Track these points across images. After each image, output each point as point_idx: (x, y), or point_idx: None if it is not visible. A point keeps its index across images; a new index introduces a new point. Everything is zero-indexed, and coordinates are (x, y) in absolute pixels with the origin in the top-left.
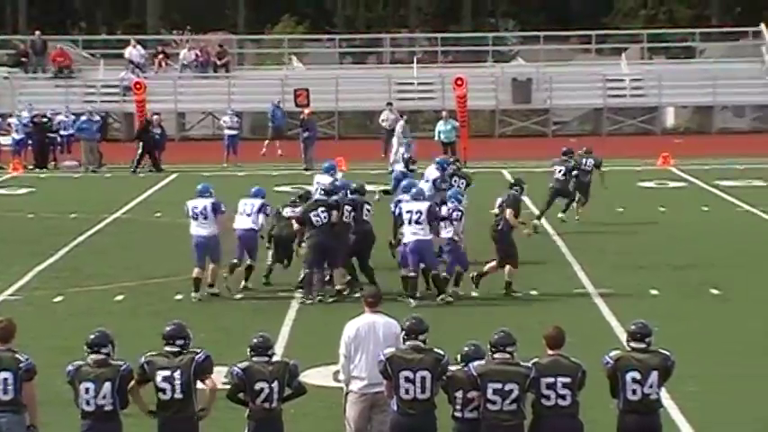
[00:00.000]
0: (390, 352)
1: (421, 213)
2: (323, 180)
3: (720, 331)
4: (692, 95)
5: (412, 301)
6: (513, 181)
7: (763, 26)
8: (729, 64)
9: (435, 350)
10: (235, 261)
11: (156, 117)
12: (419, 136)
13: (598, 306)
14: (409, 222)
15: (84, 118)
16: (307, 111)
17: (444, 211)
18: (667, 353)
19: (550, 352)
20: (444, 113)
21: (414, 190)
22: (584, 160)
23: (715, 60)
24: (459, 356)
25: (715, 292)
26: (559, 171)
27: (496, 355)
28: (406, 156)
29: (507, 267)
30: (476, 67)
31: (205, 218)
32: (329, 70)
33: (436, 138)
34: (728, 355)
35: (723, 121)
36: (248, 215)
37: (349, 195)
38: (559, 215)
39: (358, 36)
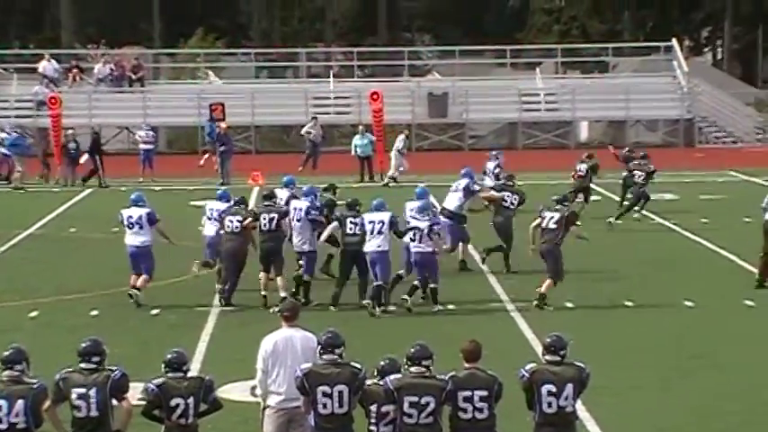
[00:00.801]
0: (307, 368)
1: (383, 224)
2: (282, 195)
3: (634, 343)
4: (605, 109)
5: (377, 309)
6: (559, 197)
7: (674, 41)
8: (642, 78)
9: (352, 364)
10: (210, 261)
11: (70, 132)
12: (336, 150)
13: (514, 319)
14: (371, 232)
15: (14, 135)
16: (223, 125)
17: (425, 224)
18: (582, 365)
19: (467, 365)
20: (361, 128)
21: (376, 201)
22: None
23: (628, 75)
24: (375, 371)
25: (629, 303)
26: (639, 176)
27: (412, 369)
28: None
29: (549, 281)
30: (392, 81)
31: (141, 227)
32: (245, 84)
33: (353, 152)
34: (642, 367)
35: (636, 134)
36: (216, 221)
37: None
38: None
39: (274, 50)
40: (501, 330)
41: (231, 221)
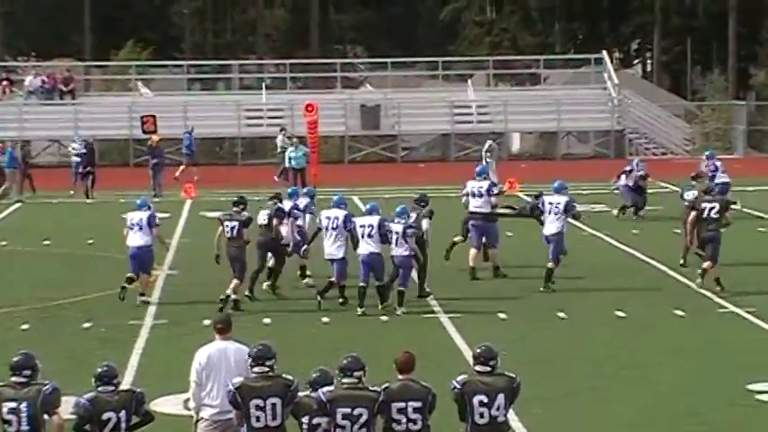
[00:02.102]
0: (239, 381)
1: (372, 227)
2: (301, 202)
3: (566, 353)
4: (536, 121)
5: (359, 309)
6: (707, 187)
7: (604, 53)
8: (573, 90)
9: (284, 376)
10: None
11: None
12: (268, 162)
13: (448, 330)
14: (362, 236)
15: None
16: (155, 137)
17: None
18: (513, 375)
19: (401, 377)
20: (294, 140)
21: (368, 206)
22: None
23: (559, 87)
24: (307, 383)
25: (561, 315)
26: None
27: (345, 380)
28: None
29: (713, 265)
30: (324, 93)
31: (141, 229)
32: (177, 96)
33: (287, 164)
34: (574, 377)
35: (567, 146)
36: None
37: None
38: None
39: (206, 62)
40: (434, 342)
41: (228, 227)
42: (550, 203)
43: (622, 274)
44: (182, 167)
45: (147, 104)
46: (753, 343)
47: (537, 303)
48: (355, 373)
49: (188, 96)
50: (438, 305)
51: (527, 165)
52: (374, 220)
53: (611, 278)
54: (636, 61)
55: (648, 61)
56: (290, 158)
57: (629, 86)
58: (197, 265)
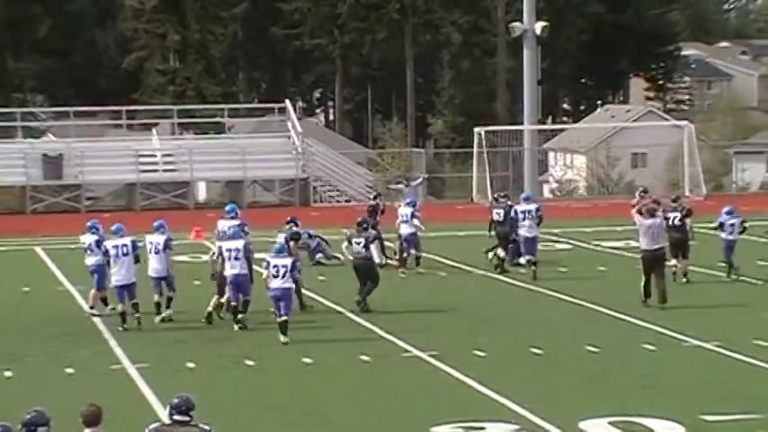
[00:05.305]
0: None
1: (239, 251)
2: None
3: (255, 400)
4: (222, 170)
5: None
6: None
7: (287, 102)
8: (258, 139)
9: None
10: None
11: None
12: None
13: (135, 381)
14: (228, 258)
15: None
16: None
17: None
18: (207, 427)
19: (87, 430)
20: None
21: (230, 230)
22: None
23: (244, 135)
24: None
25: (249, 362)
26: (674, 218)
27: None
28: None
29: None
30: (4, 142)
31: (157, 252)
32: None
33: None
34: (262, 426)
35: (253, 194)
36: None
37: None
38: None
39: None
40: (122, 393)
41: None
42: (523, 212)
43: (309, 322)
44: None
45: None
46: (435, 386)
47: (224, 352)
48: (39, 429)
49: None
50: (125, 356)
51: (214, 214)
52: (239, 243)
53: (296, 324)
54: (319, 110)
55: (331, 110)
56: None
57: (312, 135)
58: None
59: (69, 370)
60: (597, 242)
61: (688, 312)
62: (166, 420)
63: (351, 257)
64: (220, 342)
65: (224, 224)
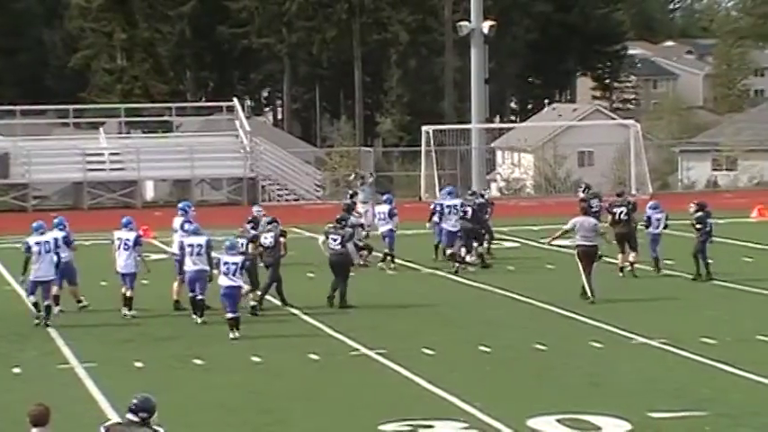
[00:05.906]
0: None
1: (201, 246)
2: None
3: (202, 401)
4: (170, 169)
5: (198, 318)
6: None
7: (236, 101)
8: (205, 138)
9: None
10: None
11: None
12: None
13: (83, 381)
14: (191, 254)
15: None
16: None
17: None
18: (160, 429)
19: (35, 430)
20: None
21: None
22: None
23: (192, 134)
24: None
25: (198, 362)
26: (620, 212)
27: None
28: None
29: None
30: None
31: (126, 248)
32: None
33: None
34: (210, 426)
35: (201, 193)
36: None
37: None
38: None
39: None
40: (69, 393)
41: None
42: (449, 207)
43: (257, 320)
44: None
45: None
46: (383, 384)
47: (172, 352)
48: None
49: None
50: (72, 355)
51: (161, 212)
52: (202, 239)
53: (247, 324)
54: (267, 109)
55: (279, 109)
56: None
57: (260, 133)
58: None
59: (16, 370)
60: (545, 240)
61: (635, 309)
62: (116, 419)
63: (327, 253)
64: (168, 341)
65: (178, 221)
